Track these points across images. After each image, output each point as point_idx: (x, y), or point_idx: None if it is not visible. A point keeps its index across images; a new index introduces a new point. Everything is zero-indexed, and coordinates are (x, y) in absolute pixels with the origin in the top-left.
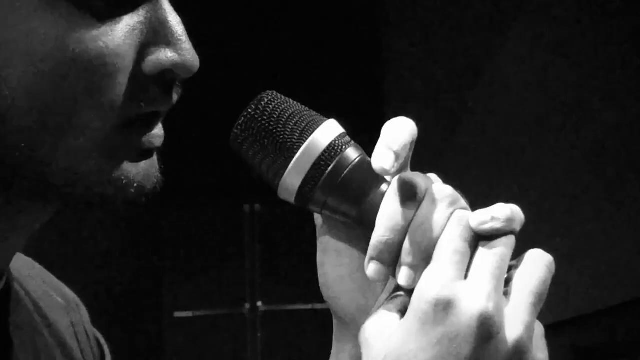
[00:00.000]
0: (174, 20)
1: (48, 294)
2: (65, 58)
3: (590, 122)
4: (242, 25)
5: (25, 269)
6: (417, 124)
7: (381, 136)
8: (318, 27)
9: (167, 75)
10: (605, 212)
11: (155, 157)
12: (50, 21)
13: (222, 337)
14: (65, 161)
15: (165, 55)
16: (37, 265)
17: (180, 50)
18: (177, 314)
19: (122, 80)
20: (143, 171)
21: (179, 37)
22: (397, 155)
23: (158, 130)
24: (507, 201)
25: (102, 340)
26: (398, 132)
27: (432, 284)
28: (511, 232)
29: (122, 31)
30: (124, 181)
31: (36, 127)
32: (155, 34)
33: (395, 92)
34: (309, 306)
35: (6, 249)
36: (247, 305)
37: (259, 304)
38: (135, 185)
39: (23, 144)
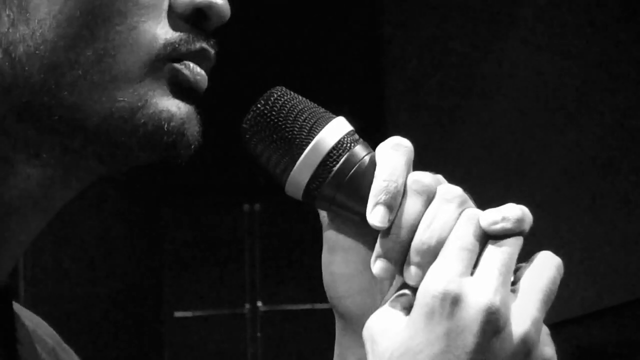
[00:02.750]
0: None
1: (37, 333)
2: None
3: (591, 122)
4: (243, 24)
5: (14, 309)
6: (417, 124)
7: (374, 181)
8: (318, 27)
9: (198, 19)
10: (605, 212)
11: (195, 108)
12: None
13: (222, 337)
14: (99, 98)
15: None
16: (25, 309)
17: None
18: (177, 314)
19: (157, 13)
20: (184, 112)
21: None
22: (389, 208)
23: (202, 71)
24: (506, 201)
25: None
26: (389, 174)
27: (438, 279)
28: (520, 233)
29: None
30: (165, 117)
31: (66, 61)
32: None
33: (395, 92)
34: (309, 306)
35: (23, 235)
36: (247, 305)
37: (259, 304)
38: (178, 123)
39: (53, 84)
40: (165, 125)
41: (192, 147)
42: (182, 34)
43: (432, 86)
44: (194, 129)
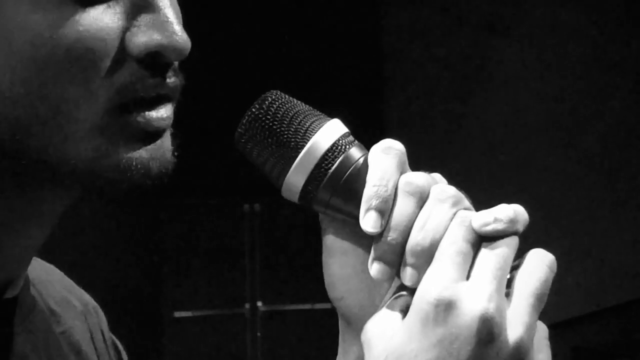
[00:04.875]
0: (163, 2)
1: (66, 299)
2: (43, 46)
3: (591, 123)
4: (241, 24)
5: (44, 274)
6: (418, 125)
7: (365, 187)
8: (318, 27)
9: (157, 58)
10: (605, 212)
11: (164, 139)
12: (27, 9)
13: (222, 337)
14: (62, 148)
15: (151, 37)
16: (57, 270)
17: (166, 32)
18: (177, 314)
19: (107, 64)
20: (147, 153)
21: (166, 19)
22: (381, 213)
23: (163, 113)
24: (507, 201)
25: (121, 347)
26: (379, 178)
27: (433, 285)
28: (514, 233)
29: (103, 15)
30: (126, 164)
31: (26, 116)
32: (141, 17)
33: (395, 93)
34: (309, 306)
35: (22, 249)
36: (247, 305)
37: (259, 304)
38: (139, 167)
39: (17, 135)
40: (128, 173)
41: (162, 175)
42: (135, 80)
43: (432, 87)
44: (160, 160)
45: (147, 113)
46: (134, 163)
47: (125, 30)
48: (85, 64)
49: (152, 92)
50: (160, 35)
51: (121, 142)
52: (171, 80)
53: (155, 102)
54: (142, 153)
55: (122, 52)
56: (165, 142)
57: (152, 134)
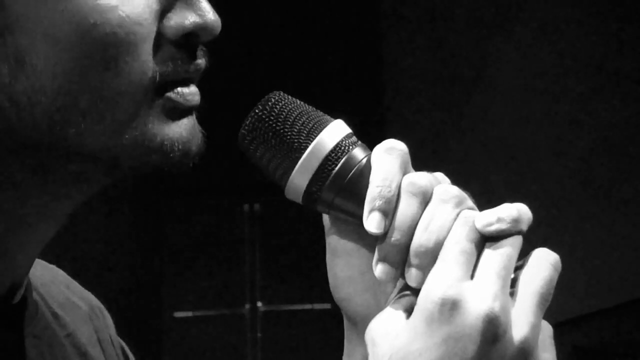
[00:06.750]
0: None
1: (70, 301)
2: (87, 33)
3: (592, 121)
4: (243, 25)
5: (48, 276)
6: (418, 124)
7: (369, 187)
8: (318, 28)
9: (190, 39)
10: (605, 212)
11: (194, 117)
12: None
13: (222, 337)
14: (103, 136)
15: (187, 18)
16: (60, 272)
17: (200, 12)
18: (177, 314)
19: (147, 48)
20: (185, 132)
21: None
22: (385, 213)
23: (193, 89)
24: (508, 201)
25: (128, 351)
26: (382, 179)
27: (438, 284)
28: (518, 233)
29: None
30: (168, 146)
31: (68, 106)
32: None
33: (396, 93)
34: (309, 306)
35: (31, 248)
36: (247, 305)
37: (259, 304)
38: (180, 147)
39: (58, 126)
40: (170, 153)
41: (198, 155)
42: (170, 63)
43: (433, 87)
44: (197, 140)
45: (180, 89)
46: (175, 144)
47: (161, 12)
48: (126, 50)
49: (185, 74)
50: (194, 15)
51: (162, 124)
52: (201, 60)
53: (186, 81)
54: (182, 132)
55: (159, 35)
56: (195, 120)
57: (186, 111)
